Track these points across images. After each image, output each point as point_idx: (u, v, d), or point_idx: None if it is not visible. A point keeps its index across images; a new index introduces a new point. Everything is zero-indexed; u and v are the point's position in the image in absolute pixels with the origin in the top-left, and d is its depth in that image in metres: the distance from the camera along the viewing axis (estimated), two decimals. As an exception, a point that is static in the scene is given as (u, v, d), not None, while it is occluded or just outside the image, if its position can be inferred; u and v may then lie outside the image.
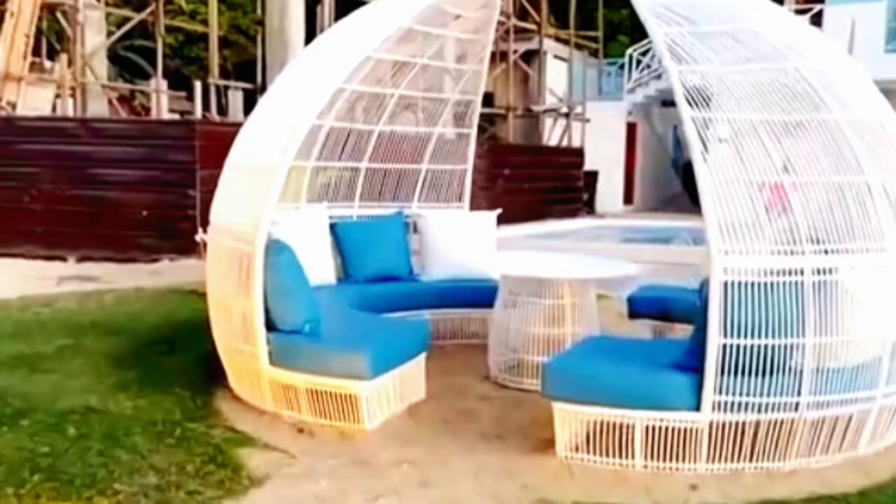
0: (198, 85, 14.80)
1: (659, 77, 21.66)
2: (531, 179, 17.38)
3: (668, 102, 24.60)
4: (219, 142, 10.75)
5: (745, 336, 3.65)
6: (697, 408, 3.76)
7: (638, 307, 5.97)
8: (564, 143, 20.34)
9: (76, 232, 11.15)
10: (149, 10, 16.62)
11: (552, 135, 20.33)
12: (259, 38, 19.27)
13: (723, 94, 3.94)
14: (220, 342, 5.02)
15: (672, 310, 5.86)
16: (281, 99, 5.11)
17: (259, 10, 19.73)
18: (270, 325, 4.47)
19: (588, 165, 20.54)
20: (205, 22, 18.32)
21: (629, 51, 22.07)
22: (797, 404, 3.75)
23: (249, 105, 18.47)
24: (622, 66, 22.81)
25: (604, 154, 21.12)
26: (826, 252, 3.71)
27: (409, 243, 6.66)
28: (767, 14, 4.37)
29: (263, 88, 17.93)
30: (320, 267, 6.01)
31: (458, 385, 5.24)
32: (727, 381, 3.71)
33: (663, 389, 3.82)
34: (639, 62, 21.88)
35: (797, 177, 3.79)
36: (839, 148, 3.91)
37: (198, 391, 4.94)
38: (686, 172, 25.91)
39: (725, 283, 3.64)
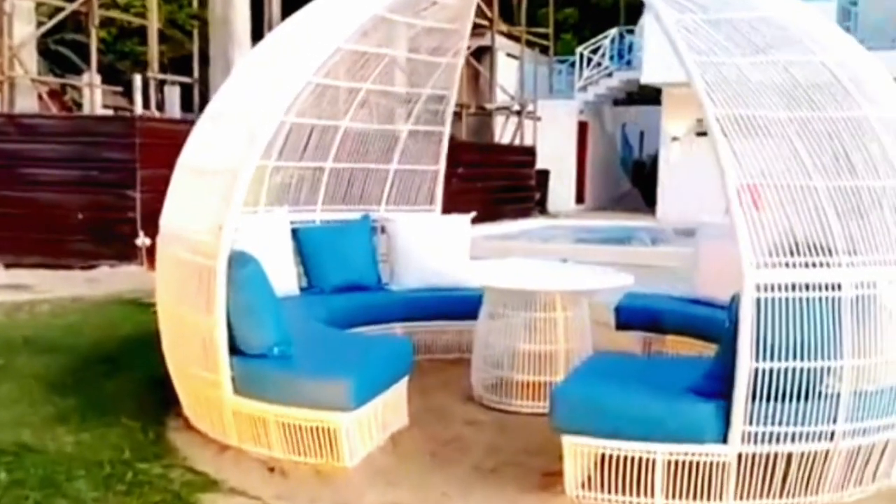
0: (137, 79, 14.01)
1: (610, 75, 21.50)
2: (484, 179, 16.97)
3: (618, 101, 24.52)
4: (161, 139, 10.18)
5: (778, 359, 3.26)
6: (725, 439, 3.36)
7: (626, 317, 5.59)
8: (516, 141, 20.00)
9: (4, 236, 10.34)
10: (81, 0, 15.71)
11: (504, 133, 19.96)
12: (196, 32, 18.49)
13: (744, 88, 3.54)
14: (173, 366, 4.46)
15: (663, 320, 5.50)
16: (241, 94, 4.57)
17: (196, 4, 18.93)
18: (234, 349, 3.94)
19: (540, 164, 20.25)
20: (140, 15, 17.46)
21: (580, 49, 21.85)
22: (832, 433, 3.37)
23: (186, 101, 17.74)
24: (573, 65, 22.58)
25: (555, 153, 20.86)
26: (864, 264, 3.34)
27: (378, 250, 6.17)
28: (784, 3, 3.99)
29: (203, 83, 17.20)
30: (281, 276, 5.46)
31: (439, 407, 4.78)
32: (758, 408, 3.31)
33: (688, 419, 3.40)
34: (589, 60, 21.66)
35: (834, 181, 3.41)
36: (870, 148, 3.55)
37: (148, 421, 4.38)
38: (636, 171, 25.88)
39: (758, 301, 3.25)
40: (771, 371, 3.27)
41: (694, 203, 18.73)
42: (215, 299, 3.84)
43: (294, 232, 5.85)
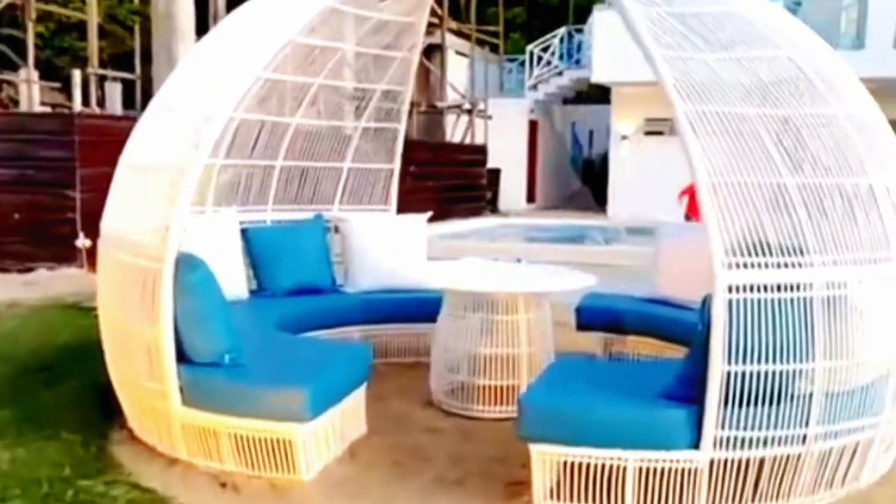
0: (77, 75, 13.53)
1: (560, 74, 21.51)
2: (435, 178, 16.82)
3: (568, 100, 24.59)
4: (102, 136, 9.80)
5: (751, 361, 3.18)
6: (697, 445, 3.27)
7: (587, 318, 5.49)
8: (468, 140, 19.88)
9: (-65, 238, 9.86)
10: (18, -8, 15.14)
11: (455, 132, 19.83)
12: (137, 28, 17.99)
13: (713, 84, 3.45)
14: (116, 375, 4.22)
15: (624, 321, 5.42)
16: (187, 89, 4.34)
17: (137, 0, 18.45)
18: (182, 357, 3.73)
19: (491, 163, 20.17)
20: (79, 9, 16.91)
21: (530, 47, 21.82)
22: (805, 436, 3.30)
23: (128, 98, 17.24)
24: (522, 64, 22.55)
25: (506, 151, 20.80)
26: (835, 264, 3.27)
27: (332, 250, 5.97)
28: (748, -2, 3.92)
29: (146, 80, 16.73)
30: (230, 279, 5.22)
31: (398, 413, 4.61)
32: (730, 413, 3.22)
33: (659, 425, 3.30)
34: (539, 59, 21.65)
35: (804, 178, 3.33)
36: (840, 145, 3.49)
37: (90, 434, 4.13)
38: (586, 170, 26.00)
39: (730, 302, 3.15)
40: (743, 374, 3.19)
41: (644, 202, 18.95)
42: (161, 305, 3.62)
43: (243, 232, 5.63)
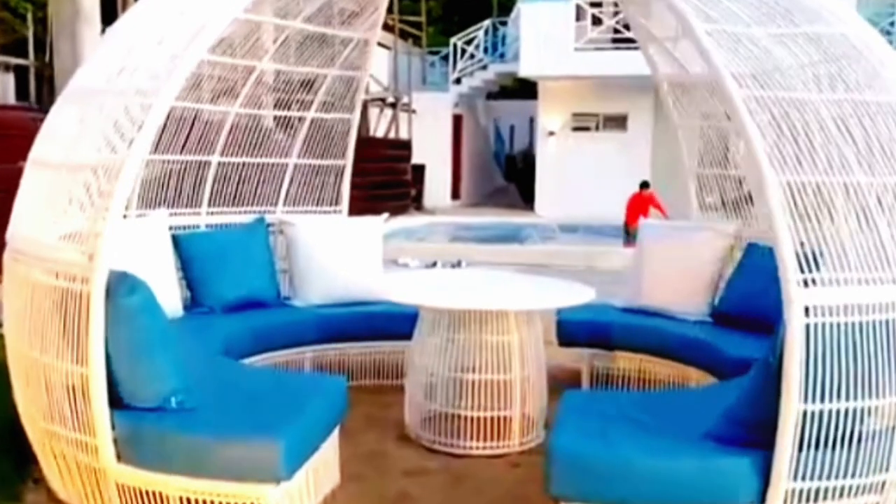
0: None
1: (485, 68, 21.00)
2: (360, 174, 16.00)
3: (491, 94, 24.14)
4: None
5: (830, 399, 2.65)
6: (762, 499, 2.72)
7: (570, 332, 4.92)
8: (391, 135, 19.17)
9: None
10: None
11: (378, 126, 19.10)
12: (29, 16, 16.61)
13: (769, 64, 2.91)
14: (28, 421, 3.41)
15: (611, 335, 4.89)
16: (112, 74, 3.54)
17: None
18: (116, 401, 2.97)
19: (415, 159, 19.52)
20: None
21: (453, 40, 21.22)
22: (883, 483, 2.80)
23: (22, 89, 15.88)
24: (445, 57, 21.95)
25: (431, 147, 20.17)
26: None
27: (276, 258, 5.24)
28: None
29: (49, 66, 15.41)
30: (163, 295, 4.42)
31: (372, 451, 3.94)
32: (803, 459, 2.69)
33: (718, 476, 2.73)
34: (463, 52, 21.09)
35: (884, 177, 2.82)
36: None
37: (-4, 494, 3.33)
38: (509, 166, 25.64)
39: (808, 328, 2.61)
40: (820, 414, 2.65)
41: (573, 199, 18.67)
42: (91, 337, 2.86)
43: (175, 240, 4.85)
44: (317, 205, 5.50)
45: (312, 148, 5.47)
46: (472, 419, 3.95)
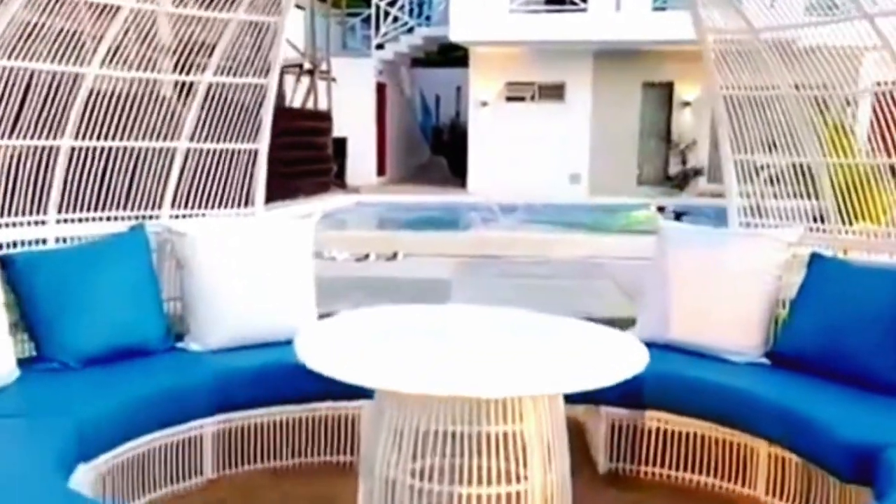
0: None
1: (411, 31, 19.39)
2: (276, 149, 14.33)
3: (417, 61, 22.57)
4: None
5: None
6: None
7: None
8: (309, 105, 17.42)
9: None
10: None
11: (295, 96, 17.31)
12: None
13: None
14: None
15: (644, 389, 3.52)
16: None
17: None
18: None
19: (336, 131, 17.84)
20: None
21: (376, 0, 19.50)
22: None
23: None
24: (367, 20, 20.21)
25: (352, 118, 18.49)
26: None
27: (161, 283, 3.69)
28: None
29: None
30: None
31: None
32: None
33: None
34: (387, 14, 19.39)
35: None
36: None
37: None
38: (436, 138, 24.15)
39: None
40: None
41: (507, 173, 17.36)
42: None
43: (5, 263, 3.27)
44: (220, 205, 3.94)
45: (212, 126, 3.91)
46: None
